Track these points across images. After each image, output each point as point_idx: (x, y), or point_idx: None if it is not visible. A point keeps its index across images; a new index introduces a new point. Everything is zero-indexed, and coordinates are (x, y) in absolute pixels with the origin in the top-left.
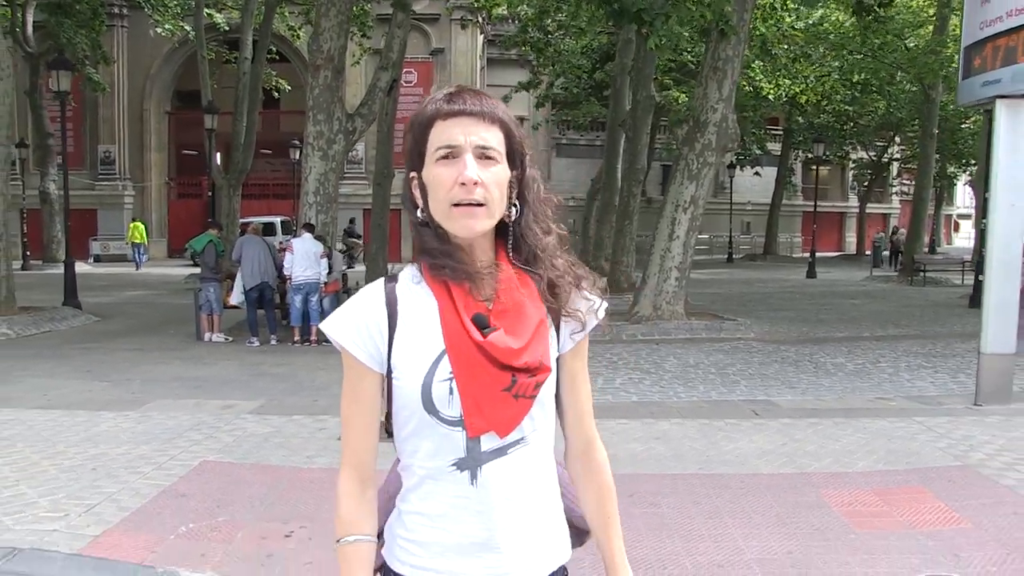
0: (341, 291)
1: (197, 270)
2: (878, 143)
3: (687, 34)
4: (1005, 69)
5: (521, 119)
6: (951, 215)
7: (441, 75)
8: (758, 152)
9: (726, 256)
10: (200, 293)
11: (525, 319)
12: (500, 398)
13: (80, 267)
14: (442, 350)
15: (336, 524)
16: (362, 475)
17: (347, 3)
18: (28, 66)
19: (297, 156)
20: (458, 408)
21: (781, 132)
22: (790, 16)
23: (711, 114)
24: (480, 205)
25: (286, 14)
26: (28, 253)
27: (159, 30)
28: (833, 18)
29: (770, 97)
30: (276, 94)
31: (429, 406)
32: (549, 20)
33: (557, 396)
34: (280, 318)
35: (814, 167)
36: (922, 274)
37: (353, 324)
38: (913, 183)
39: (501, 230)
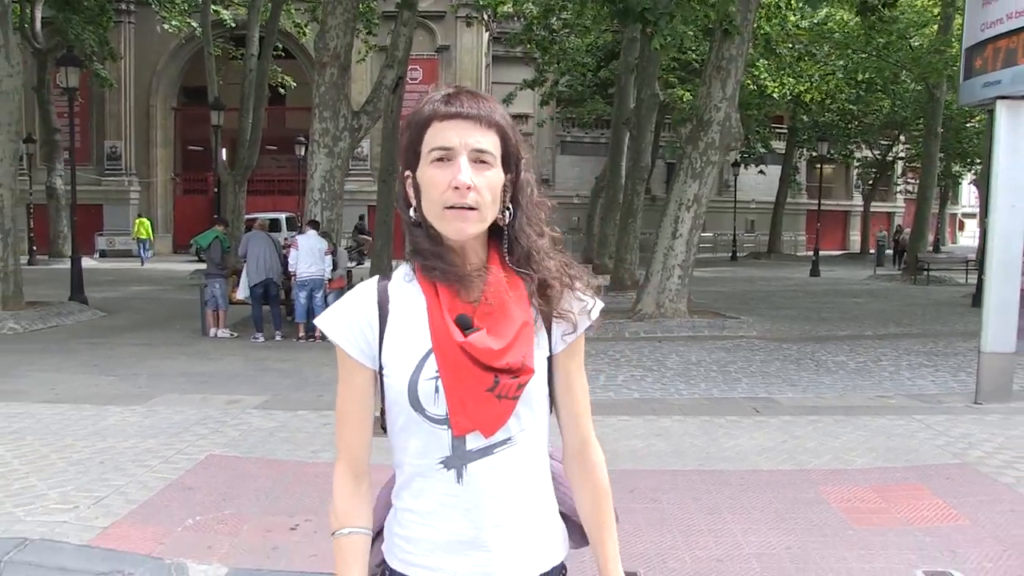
0: (346, 287)
1: (202, 266)
2: (883, 142)
3: (691, 33)
4: (1006, 71)
5: (526, 116)
6: (956, 214)
7: (446, 72)
8: (762, 150)
9: (730, 254)
10: (206, 289)
11: (509, 321)
12: (484, 398)
13: (86, 262)
14: (429, 349)
15: (331, 518)
16: (356, 470)
17: (353, 1)
18: (36, 62)
19: (302, 152)
20: (444, 407)
21: (785, 130)
22: (794, 15)
23: (715, 113)
24: (472, 209)
25: (292, 11)
26: (34, 248)
27: (166, 26)
28: (838, 17)
29: (774, 96)
30: (282, 90)
31: (416, 404)
32: (554, 18)
33: (553, 396)
34: (285, 314)
35: (818, 165)
36: (926, 273)
37: (345, 321)
38: (917, 182)
39: (495, 232)
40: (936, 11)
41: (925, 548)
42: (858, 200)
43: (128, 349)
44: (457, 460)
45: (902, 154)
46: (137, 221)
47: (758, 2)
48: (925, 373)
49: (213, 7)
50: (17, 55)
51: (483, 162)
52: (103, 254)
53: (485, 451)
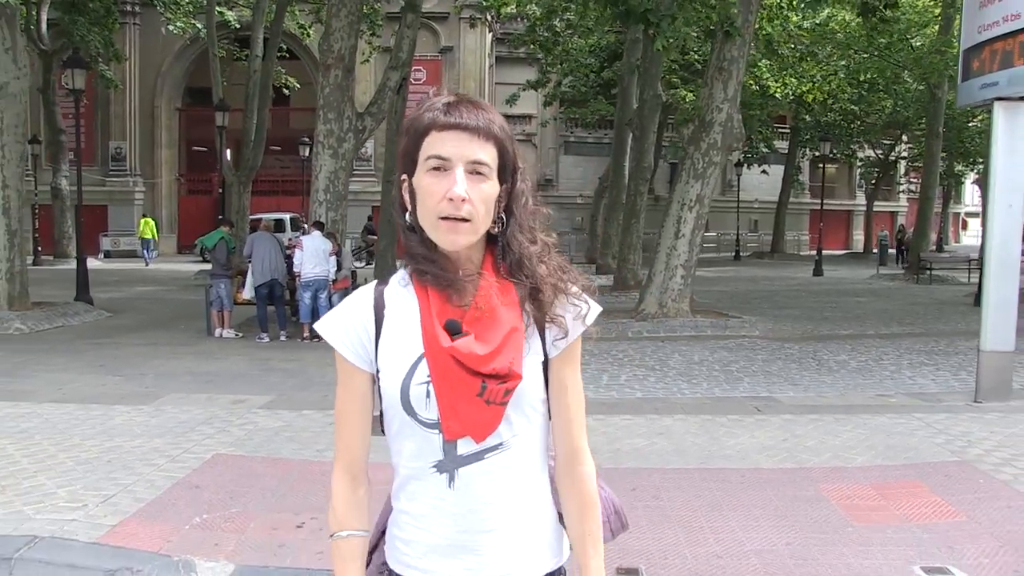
0: (351, 288)
1: (207, 266)
2: (885, 141)
3: (694, 34)
4: (1002, 72)
5: (529, 117)
6: (959, 213)
7: (450, 73)
8: (765, 150)
9: (733, 254)
10: (211, 289)
11: (497, 326)
12: (474, 403)
13: (91, 263)
14: (421, 354)
15: (329, 519)
16: (354, 472)
17: (357, 3)
18: (41, 63)
19: (306, 153)
20: (435, 411)
21: (788, 130)
22: (796, 16)
23: (716, 114)
24: (466, 221)
25: (296, 12)
26: (39, 248)
27: (171, 28)
28: (839, 18)
29: (777, 96)
30: (286, 91)
31: (408, 408)
32: (557, 19)
33: (548, 402)
34: (290, 314)
35: (821, 165)
36: (928, 272)
37: (342, 326)
38: (920, 181)
39: (492, 238)
40: (937, 12)
41: (923, 544)
42: (861, 200)
43: (134, 349)
44: (449, 464)
45: (904, 154)
46: (142, 221)
47: (759, 4)
48: (926, 372)
49: (217, 8)
50: (24, 57)
51: (479, 173)
52: (108, 254)
53: (476, 456)
